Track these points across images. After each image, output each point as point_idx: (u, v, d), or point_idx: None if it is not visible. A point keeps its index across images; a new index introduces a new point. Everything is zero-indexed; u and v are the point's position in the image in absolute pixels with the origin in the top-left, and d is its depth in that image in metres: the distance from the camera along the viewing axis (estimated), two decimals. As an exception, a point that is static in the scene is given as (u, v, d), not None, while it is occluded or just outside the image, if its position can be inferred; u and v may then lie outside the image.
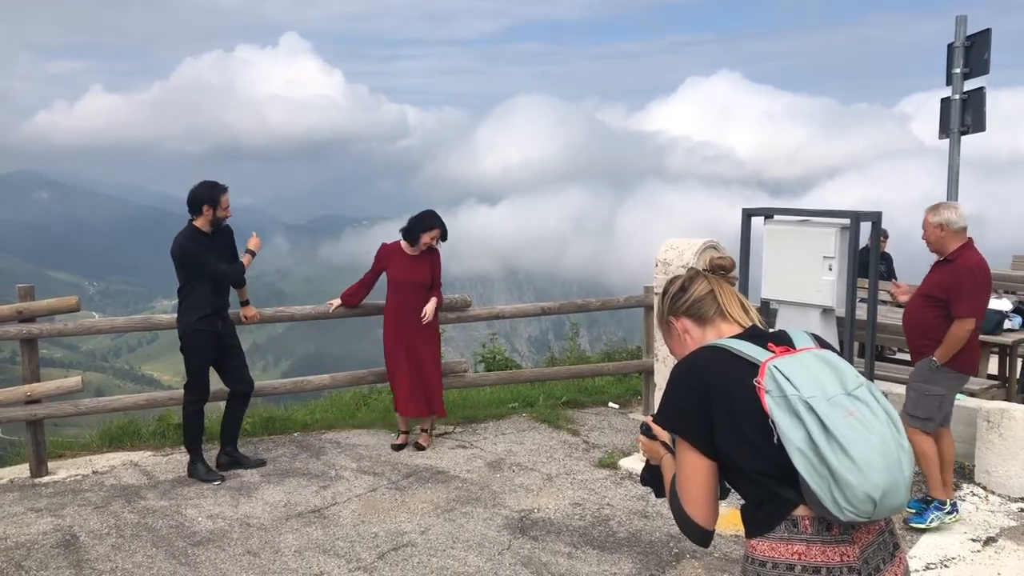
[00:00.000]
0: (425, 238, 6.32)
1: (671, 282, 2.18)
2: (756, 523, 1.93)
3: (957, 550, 4.72)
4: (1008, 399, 6.80)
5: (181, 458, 6.11)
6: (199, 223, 5.63)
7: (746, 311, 2.10)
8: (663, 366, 5.96)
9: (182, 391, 5.92)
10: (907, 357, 7.47)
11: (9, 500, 5.46)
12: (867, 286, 6.59)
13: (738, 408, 1.87)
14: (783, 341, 1.99)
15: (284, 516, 5.17)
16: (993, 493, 5.50)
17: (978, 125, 5.40)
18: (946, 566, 4.53)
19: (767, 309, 6.87)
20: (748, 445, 1.87)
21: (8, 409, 5.86)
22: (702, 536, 1.98)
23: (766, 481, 1.88)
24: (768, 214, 6.52)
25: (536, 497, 5.52)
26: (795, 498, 1.85)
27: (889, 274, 9.62)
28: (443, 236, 6.46)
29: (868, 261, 6.96)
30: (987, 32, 5.29)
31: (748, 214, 6.59)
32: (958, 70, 5.34)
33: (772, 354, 1.92)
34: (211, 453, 6.02)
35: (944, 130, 5.51)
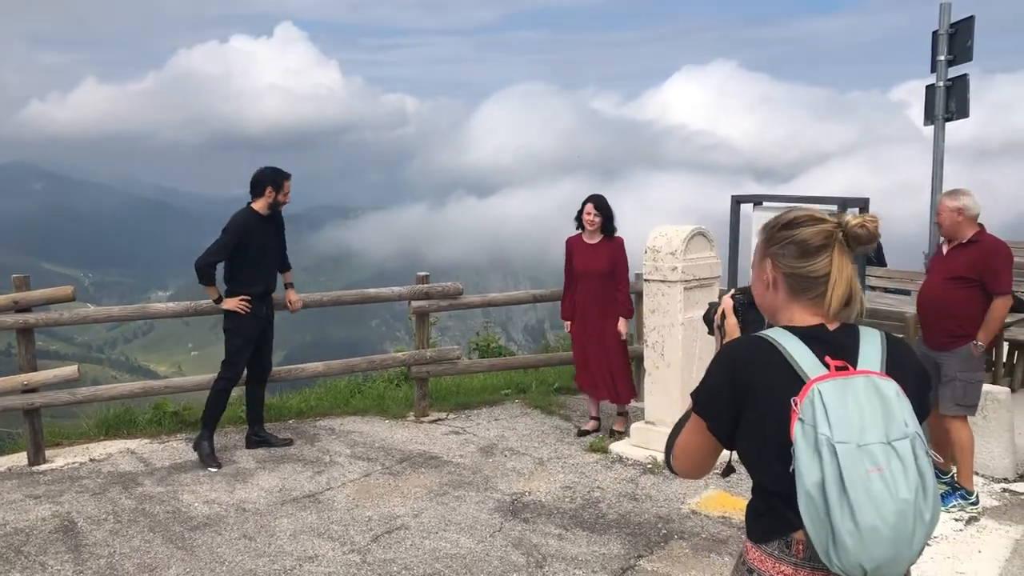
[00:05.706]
0: (585, 218, 6.33)
1: (796, 225, 1.86)
2: (754, 530, 1.90)
3: (940, 529, 4.81)
4: (994, 382, 6.89)
5: (177, 445, 6.18)
6: (257, 205, 5.78)
7: (832, 306, 1.83)
8: (652, 352, 6.03)
9: (177, 380, 6.02)
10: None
11: (8, 488, 5.53)
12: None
13: (768, 423, 1.77)
14: (844, 352, 1.79)
15: (279, 501, 5.25)
16: (977, 474, 5.58)
17: (962, 111, 5.48)
18: (928, 544, 4.61)
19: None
20: (765, 462, 1.80)
21: (5, 398, 5.92)
22: (674, 472, 2.03)
23: (773, 499, 1.82)
24: (757, 201, 6.58)
25: (528, 481, 5.61)
26: (797, 523, 1.75)
27: (879, 260, 9.69)
28: (603, 213, 6.28)
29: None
30: (970, 19, 5.36)
31: (737, 201, 6.66)
32: (942, 57, 5.42)
33: (825, 371, 1.74)
34: (233, 437, 6.20)
35: (929, 116, 5.59)
